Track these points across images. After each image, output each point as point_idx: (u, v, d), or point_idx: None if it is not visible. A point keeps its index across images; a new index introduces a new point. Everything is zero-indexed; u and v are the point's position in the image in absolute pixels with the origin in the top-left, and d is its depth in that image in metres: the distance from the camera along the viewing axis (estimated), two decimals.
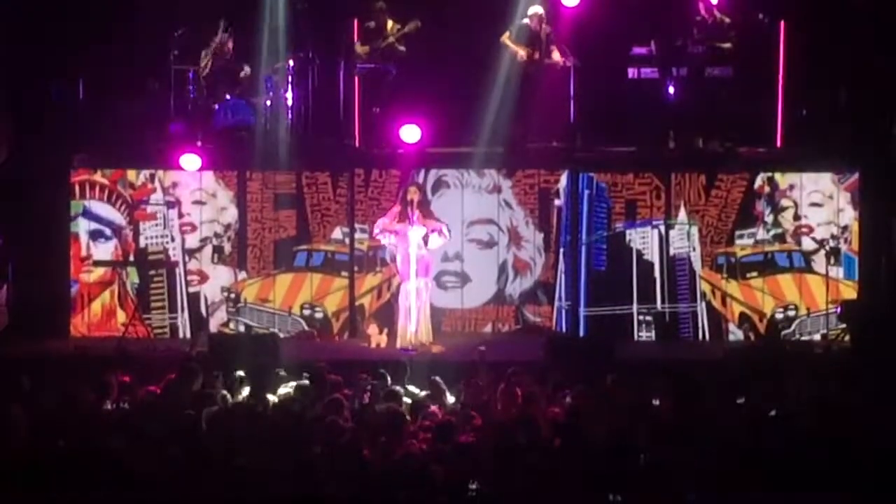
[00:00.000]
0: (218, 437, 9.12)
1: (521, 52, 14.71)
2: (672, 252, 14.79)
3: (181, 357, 12.56)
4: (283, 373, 11.55)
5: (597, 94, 15.00)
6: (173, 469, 8.34)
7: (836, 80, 15.03)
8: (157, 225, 14.92)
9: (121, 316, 14.83)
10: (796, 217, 14.84)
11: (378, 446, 8.91)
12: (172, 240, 14.91)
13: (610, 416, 9.75)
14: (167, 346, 14.01)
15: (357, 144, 15.23)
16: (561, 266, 14.84)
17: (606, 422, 9.46)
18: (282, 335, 14.43)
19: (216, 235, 14.93)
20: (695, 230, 14.80)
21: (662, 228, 14.80)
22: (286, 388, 10.93)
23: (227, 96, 14.89)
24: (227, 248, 14.92)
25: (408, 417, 9.80)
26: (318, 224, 14.90)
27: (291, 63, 14.86)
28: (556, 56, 14.79)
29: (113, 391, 10.52)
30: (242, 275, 14.91)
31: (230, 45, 14.96)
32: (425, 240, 13.70)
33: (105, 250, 14.91)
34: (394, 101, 14.97)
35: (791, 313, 14.77)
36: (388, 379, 11.25)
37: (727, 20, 14.80)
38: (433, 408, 10.20)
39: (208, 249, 14.92)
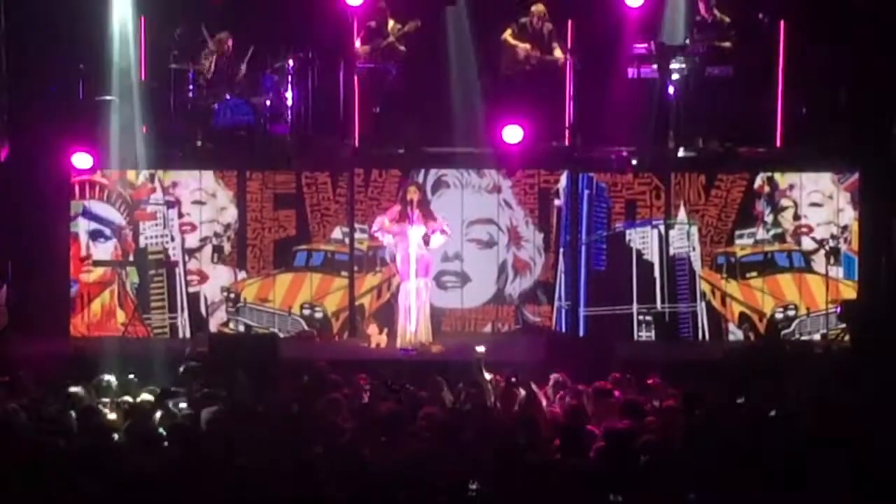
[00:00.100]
0: (217, 437, 9.11)
1: (523, 50, 14.72)
2: (672, 252, 14.78)
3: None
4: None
5: (597, 94, 15.00)
6: (172, 469, 8.33)
7: (836, 80, 15.01)
8: (156, 225, 14.92)
9: (120, 316, 14.85)
10: (796, 217, 14.83)
11: (378, 446, 8.91)
12: (172, 240, 14.91)
13: (610, 416, 9.75)
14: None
15: (356, 144, 15.22)
16: (561, 266, 14.84)
17: (606, 422, 9.46)
18: (282, 335, 14.44)
19: (216, 235, 14.93)
20: (694, 230, 14.79)
21: (662, 228, 14.79)
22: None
23: (227, 96, 14.89)
24: (227, 247, 14.92)
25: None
26: (318, 224, 14.89)
27: (291, 63, 14.87)
28: (557, 53, 14.82)
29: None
30: (242, 275, 14.91)
31: (230, 44, 14.97)
32: (425, 239, 13.69)
33: (105, 250, 14.91)
34: (394, 100, 14.98)
35: (791, 313, 14.77)
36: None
37: (727, 19, 14.81)
38: (433, 408, 10.19)
39: (208, 249, 14.92)
